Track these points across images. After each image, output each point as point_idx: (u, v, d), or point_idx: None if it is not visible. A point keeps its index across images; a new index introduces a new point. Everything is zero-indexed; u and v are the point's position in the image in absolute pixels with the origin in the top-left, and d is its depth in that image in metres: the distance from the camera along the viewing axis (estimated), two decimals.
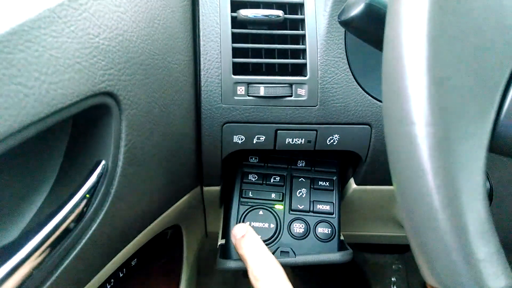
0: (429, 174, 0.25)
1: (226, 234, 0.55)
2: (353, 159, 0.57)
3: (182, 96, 0.47)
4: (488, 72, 0.26)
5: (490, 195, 0.44)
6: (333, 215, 0.56)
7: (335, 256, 0.52)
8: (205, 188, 0.58)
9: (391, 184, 0.58)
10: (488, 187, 0.44)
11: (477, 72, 0.26)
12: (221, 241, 0.58)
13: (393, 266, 1.23)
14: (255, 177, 0.58)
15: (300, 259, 0.52)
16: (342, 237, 0.57)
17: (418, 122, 0.25)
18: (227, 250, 0.54)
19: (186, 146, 0.50)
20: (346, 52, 0.50)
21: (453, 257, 0.25)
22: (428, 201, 0.25)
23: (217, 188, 0.58)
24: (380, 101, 0.50)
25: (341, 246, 0.55)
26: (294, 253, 0.53)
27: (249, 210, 0.56)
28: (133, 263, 0.56)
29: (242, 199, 0.56)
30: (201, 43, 0.48)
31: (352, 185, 0.58)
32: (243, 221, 0.55)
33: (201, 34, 0.49)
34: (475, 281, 0.25)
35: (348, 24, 0.37)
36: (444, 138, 0.25)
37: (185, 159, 0.50)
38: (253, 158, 0.59)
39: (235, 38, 0.49)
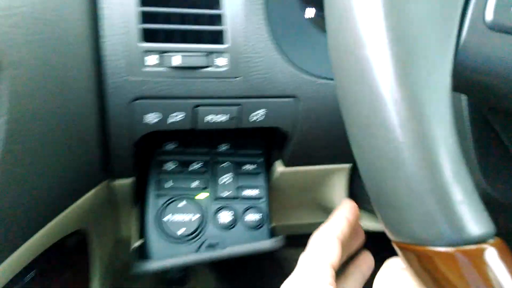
0: (392, 105, 0.21)
1: (144, 232, 0.48)
2: (279, 138, 0.53)
3: (81, 66, 0.39)
4: None
5: None
6: (262, 199, 0.51)
7: (265, 243, 0.48)
8: (116, 182, 0.50)
9: (320, 163, 0.55)
10: None
11: None
12: (137, 243, 0.51)
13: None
14: (173, 165, 0.51)
15: (228, 251, 0.47)
16: (274, 224, 0.52)
17: (375, 47, 0.21)
18: (146, 251, 0.46)
19: (88, 128, 0.42)
20: (268, 19, 0.46)
21: (426, 201, 0.21)
22: (392, 137, 0.21)
23: (130, 180, 0.50)
24: (307, 72, 0.47)
25: (272, 233, 0.50)
26: (223, 246, 0.47)
27: (168, 202, 0.49)
28: (27, 278, 0.46)
29: (159, 191, 0.49)
30: (104, 5, 0.41)
31: (279, 167, 0.54)
32: (161, 215, 0.48)
33: None
34: (454, 228, 0.21)
35: None
36: (406, 66, 0.21)
37: (87, 144, 0.42)
38: (170, 144, 0.52)
39: (143, 1, 0.42)
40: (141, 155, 0.50)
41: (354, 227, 0.43)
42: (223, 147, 0.53)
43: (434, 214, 0.21)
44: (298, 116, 0.48)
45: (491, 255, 0.21)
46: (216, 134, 0.53)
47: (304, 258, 0.39)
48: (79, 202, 0.46)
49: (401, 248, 0.24)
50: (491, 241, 0.22)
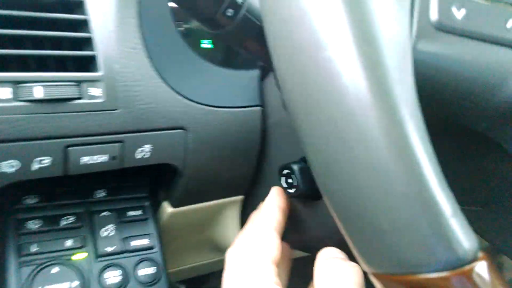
0: (368, 109, 0.18)
1: None
2: (166, 176, 0.47)
3: None
4: None
5: None
6: (154, 249, 0.44)
7: None
8: None
9: (212, 199, 0.50)
10: None
11: None
12: None
13: None
14: (37, 224, 0.41)
15: None
16: (168, 270, 0.45)
17: (339, 48, 0.18)
18: None
19: None
20: (144, 43, 0.41)
21: (417, 219, 0.18)
22: (371, 145, 0.18)
23: None
24: (192, 100, 0.43)
25: (171, 285, 0.43)
26: None
27: (36, 270, 0.38)
28: None
29: (22, 258, 0.39)
30: None
31: (167, 209, 0.48)
32: (30, 287, 0.38)
33: None
34: (449, 248, 0.18)
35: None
36: (375, 66, 0.19)
37: None
38: (30, 198, 0.42)
39: None
40: None
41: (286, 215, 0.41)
42: (99, 194, 0.45)
43: (426, 234, 0.18)
44: (188, 149, 0.43)
45: (482, 271, 0.19)
46: (88, 179, 0.45)
47: (238, 256, 0.36)
48: None
49: (384, 280, 0.21)
50: (480, 255, 0.20)
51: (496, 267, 0.20)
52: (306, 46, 0.18)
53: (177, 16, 0.45)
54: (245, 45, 0.34)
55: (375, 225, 0.19)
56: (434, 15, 0.22)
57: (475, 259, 0.19)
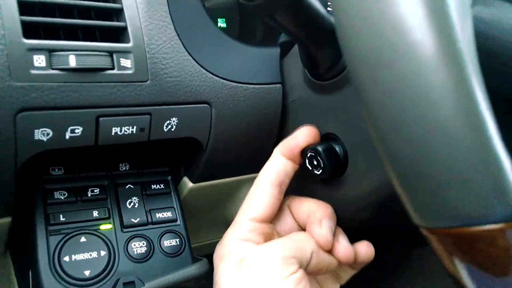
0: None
1: (37, 282, 0.37)
2: (187, 152, 0.47)
3: None
4: None
5: (345, 163, 0.41)
6: (178, 222, 0.45)
7: (190, 271, 0.42)
8: None
9: (231, 175, 0.51)
10: (341, 153, 0.41)
11: None
12: None
13: None
14: (64, 194, 0.41)
15: (151, 286, 0.39)
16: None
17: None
18: None
19: None
20: (171, 17, 0.41)
21: (476, 173, 0.19)
22: (435, 100, 0.19)
23: (6, 221, 0.39)
24: (217, 76, 0.43)
25: (194, 258, 0.44)
26: (142, 281, 0.40)
27: (64, 239, 0.39)
28: None
29: (50, 227, 0.39)
30: None
31: (187, 184, 0.48)
32: (59, 256, 0.38)
33: None
34: (506, 200, 0.19)
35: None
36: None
37: None
38: (57, 169, 0.42)
39: None
40: (21, 185, 0.39)
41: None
42: (123, 167, 0.46)
43: (485, 187, 0.19)
44: (212, 124, 0.43)
45: None
46: (113, 152, 0.45)
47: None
48: None
49: (437, 235, 0.22)
50: None
51: None
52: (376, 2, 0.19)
53: None
54: (275, 18, 0.34)
55: (436, 179, 0.20)
56: None
57: None
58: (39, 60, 0.33)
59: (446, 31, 0.19)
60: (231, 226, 0.41)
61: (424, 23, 0.18)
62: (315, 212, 0.40)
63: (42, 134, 0.35)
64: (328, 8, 0.41)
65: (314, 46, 0.38)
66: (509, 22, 0.25)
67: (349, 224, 0.43)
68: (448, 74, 0.19)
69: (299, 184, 0.43)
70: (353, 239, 0.42)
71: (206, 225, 0.57)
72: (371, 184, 0.39)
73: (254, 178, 0.52)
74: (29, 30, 0.34)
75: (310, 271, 0.38)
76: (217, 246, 0.41)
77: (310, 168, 0.40)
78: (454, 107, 0.19)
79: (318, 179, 0.41)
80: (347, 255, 0.39)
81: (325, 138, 0.42)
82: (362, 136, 0.38)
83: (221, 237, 0.53)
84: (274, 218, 0.42)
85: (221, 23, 0.54)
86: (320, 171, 0.39)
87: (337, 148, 0.41)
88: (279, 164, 0.41)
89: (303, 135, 0.40)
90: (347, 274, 0.45)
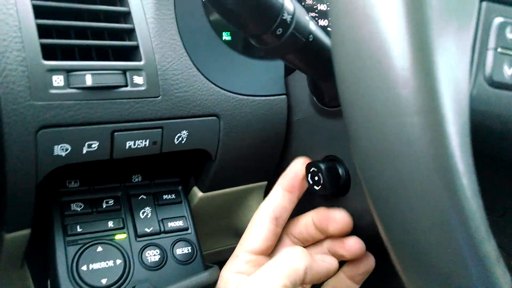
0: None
1: None
2: (196, 163, 0.49)
3: None
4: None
5: (347, 184, 0.43)
6: (189, 230, 0.47)
7: (203, 277, 0.43)
8: (8, 236, 0.40)
9: (239, 184, 0.53)
10: (344, 174, 0.43)
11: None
12: None
13: None
14: (80, 206, 0.43)
15: None
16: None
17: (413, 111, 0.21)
18: None
19: None
20: (180, 34, 0.43)
21: (467, 264, 0.21)
22: (431, 196, 0.21)
23: (26, 233, 0.41)
24: (224, 89, 0.45)
25: (206, 265, 0.46)
26: None
27: (82, 249, 0.41)
28: None
29: (68, 238, 0.41)
30: None
31: (197, 194, 0.50)
32: (77, 266, 0.40)
33: None
34: (488, 285, 0.22)
35: (218, 2, 0.30)
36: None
37: None
38: (73, 182, 0.44)
39: (38, 12, 0.36)
40: (40, 198, 0.41)
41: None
42: (136, 179, 0.47)
43: (476, 279, 0.21)
44: (220, 135, 0.45)
45: None
46: (125, 165, 0.47)
47: None
48: None
49: None
50: None
51: None
52: (378, 108, 0.21)
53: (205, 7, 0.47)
54: (287, 58, 0.35)
55: (430, 267, 0.22)
56: (488, 71, 0.26)
57: None
58: (58, 80, 0.35)
59: (443, 143, 0.21)
60: (230, 258, 0.42)
61: (420, 123, 0.21)
62: (317, 212, 0.42)
63: (61, 150, 0.37)
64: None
65: (322, 79, 0.40)
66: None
67: None
68: (441, 180, 0.21)
69: (304, 202, 0.44)
70: None
71: (215, 233, 0.58)
72: None
73: (262, 186, 0.54)
74: (47, 51, 0.36)
75: (308, 282, 0.38)
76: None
77: (311, 183, 0.41)
78: (443, 200, 0.21)
79: (320, 196, 0.43)
80: (355, 248, 0.40)
81: (329, 159, 0.44)
82: None
83: (230, 244, 0.55)
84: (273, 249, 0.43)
85: (226, 36, 0.56)
86: (320, 187, 0.41)
87: (340, 169, 0.42)
88: (277, 199, 0.42)
89: (300, 166, 0.43)
90: None
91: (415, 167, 0.21)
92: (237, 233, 0.60)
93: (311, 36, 0.34)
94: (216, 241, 0.60)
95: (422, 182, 0.21)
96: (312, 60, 0.36)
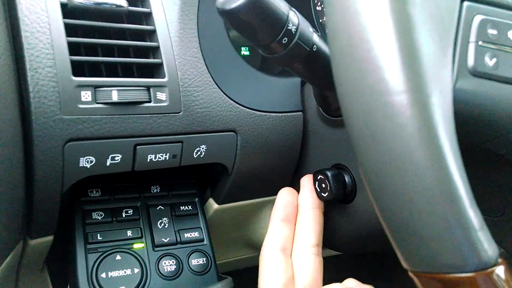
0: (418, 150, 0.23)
1: None
2: (213, 175, 0.51)
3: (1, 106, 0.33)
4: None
5: (354, 190, 0.45)
6: (204, 242, 0.48)
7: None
8: (33, 242, 0.41)
9: (254, 197, 0.54)
10: (350, 181, 0.45)
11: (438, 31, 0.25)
12: None
13: None
14: (101, 215, 0.45)
15: None
16: None
17: (399, 91, 0.23)
18: None
19: (12, 180, 0.34)
20: (201, 52, 0.45)
21: (452, 232, 0.23)
22: (417, 170, 0.23)
23: (49, 239, 0.43)
24: (242, 105, 0.46)
25: (219, 275, 0.47)
26: None
27: (101, 257, 0.42)
28: None
29: (89, 246, 0.43)
30: (23, 34, 0.35)
31: (213, 206, 0.52)
32: (96, 272, 0.41)
33: (20, 23, 0.35)
34: (477, 254, 0.23)
35: (231, 15, 0.33)
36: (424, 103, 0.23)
37: (9, 200, 0.35)
38: (94, 192, 0.46)
39: (69, 31, 0.38)
40: (63, 208, 0.43)
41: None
42: (155, 190, 0.49)
43: (460, 244, 0.23)
44: (237, 150, 0.47)
45: (501, 272, 0.24)
46: (145, 176, 0.49)
47: None
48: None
49: (421, 277, 0.25)
50: (500, 260, 0.25)
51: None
52: (369, 90, 0.23)
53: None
54: (292, 66, 0.38)
55: (419, 234, 0.24)
56: (470, 62, 0.28)
57: (496, 264, 0.24)
58: (86, 95, 0.37)
59: (424, 112, 0.23)
60: None
61: (406, 107, 0.23)
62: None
63: (86, 162, 0.38)
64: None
65: (326, 88, 0.42)
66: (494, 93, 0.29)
67: (359, 248, 0.46)
68: (426, 153, 0.23)
69: None
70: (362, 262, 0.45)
71: (230, 244, 0.60)
72: None
73: (273, 200, 0.55)
74: (74, 67, 0.37)
75: None
76: None
77: (319, 190, 0.44)
78: (431, 180, 0.23)
79: (327, 203, 0.45)
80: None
81: (336, 167, 0.46)
82: None
83: (243, 255, 0.56)
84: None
85: (245, 51, 0.57)
86: (327, 194, 0.43)
87: (346, 176, 0.45)
88: (277, 231, 0.45)
89: (286, 195, 0.46)
90: None
91: (402, 139, 0.23)
92: (251, 245, 0.61)
93: (314, 46, 0.36)
94: (230, 252, 0.61)
95: (408, 153, 0.23)
96: (317, 69, 0.38)
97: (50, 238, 0.42)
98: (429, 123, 0.23)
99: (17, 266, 0.45)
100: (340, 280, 0.43)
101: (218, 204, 0.51)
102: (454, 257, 0.24)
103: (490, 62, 0.29)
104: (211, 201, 0.52)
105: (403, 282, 0.35)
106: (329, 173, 0.44)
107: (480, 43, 0.29)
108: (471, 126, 0.31)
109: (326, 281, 0.47)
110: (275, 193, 0.55)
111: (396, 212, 0.25)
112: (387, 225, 0.26)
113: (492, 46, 0.30)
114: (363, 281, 0.44)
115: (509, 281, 0.25)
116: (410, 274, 0.26)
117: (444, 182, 0.23)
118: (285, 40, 0.35)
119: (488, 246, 0.24)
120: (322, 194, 0.45)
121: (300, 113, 0.50)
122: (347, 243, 0.51)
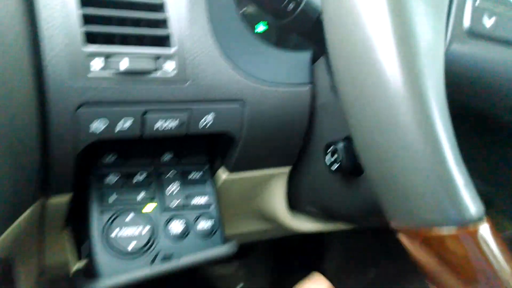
0: (402, 105, 0.23)
1: (90, 252, 0.44)
2: (223, 145, 0.53)
3: (19, 71, 0.35)
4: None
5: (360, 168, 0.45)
6: (212, 206, 0.50)
7: (220, 250, 0.47)
8: (51, 200, 0.45)
9: (262, 167, 0.56)
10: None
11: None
12: (76, 265, 0.46)
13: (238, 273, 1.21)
14: (115, 178, 0.48)
15: (184, 261, 0.45)
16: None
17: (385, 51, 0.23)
18: (94, 271, 0.43)
19: (28, 138, 0.38)
20: (211, 25, 0.46)
21: (435, 188, 0.23)
22: (401, 127, 0.23)
23: (67, 197, 0.46)
24: (251, 76, 0.48)
25: (225, 239, 0.49)
26: (177, 256, 0.45)
27: (114, 217, 0.45)
28: None
29: (103, 206, 0.46)
30: (41, 5, 0.38)
31: (223, 175, 0.54)
32: (109, 230, 0.45)
33: None
34: (460, 211, 0.24)
35: None
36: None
37: (26, 157, 0.38)
38: (110, 156, 0.49)
39: (84, 2, 0.40)
40: (79, 169, 0.46)
41: None
42: (167, 157, 0.51)
43: (442, 199, 0.23)
44: (244, 120, 0.48)
45: (485, 231, 0.24)
46: (158, 144, 0.51)
47: None
48: (12, 227, 0.41)
49: (405, 235, 0.26)
50: (484, 218, 0.25)
51: (497, 230, 0.25)
52: (359, 50, 0.24)
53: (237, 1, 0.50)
54: (301, 34, 0.39)
55: (402, 189, 0.24)
56: (466, 23, 0.27)
57: (479, 221, 0.24)
58: (97, 63, 0.39)
59: (412, 72, 0.23)
60: None
61: (394, 65, 0.23)
62: None
63: (96, 127, 0.41)
64: None
65: None
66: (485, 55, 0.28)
67: (364, 223, 0.47)
68: (411, 107, 0.23)
69: (320, 183, 0.47)
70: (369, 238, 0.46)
71: (238, 216, 0.62)
72: None
73: (283, 172, 0.57)
74: (89, 35, 0.40)
75: None
76: None
77: (329, 162, 0.44)
78: (415, 135, 0.23)
79: (336, 177, 0.46)
80: None
81: (347, 140, 0.46)
82: None
83: (252, 228, 0.58)
84: None
85: (263, 26, 0.58)
86: (337, 166, 0.43)
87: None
88: None
89: None
90: None
91: (386, 93, 0.23)
92: (260, 217, 0.63)
93: (321, 16, 0.37)
94: (239, 224, 0.64)
95: (395, 109, 0.23)
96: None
97: (67, 197, 0.46)
98: (414, 78, 0.23)
99: (40, 226, 0.49)
100: (345, 258, 0.45)
101: (229, 171, 0.53)
102: (435, 212, 0.24)
103: (488, 22, 0.28)
104: (220, 171, 0.54)
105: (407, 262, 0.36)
106: (339, 145, 0.44)
107: (477, 2, 0.28)
108: (469, 89, 0.31)
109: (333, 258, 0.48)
110: (285, 164, 0.57)
111: (380, 167, 0.25)
112: (373, 182, 0.26)
113: (491, 6, 0.28)
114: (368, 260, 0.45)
115: (494, 240, 0.25)
116: (398, 234, 0.27)
117: (428, 136, 0.23)
118: (292, 5, 0.37)
119: (471, 203, 0.24)
120: (331, 167, 0.45)
121: (309, 86, 0.51)
122: (356, 216, 0.52)
